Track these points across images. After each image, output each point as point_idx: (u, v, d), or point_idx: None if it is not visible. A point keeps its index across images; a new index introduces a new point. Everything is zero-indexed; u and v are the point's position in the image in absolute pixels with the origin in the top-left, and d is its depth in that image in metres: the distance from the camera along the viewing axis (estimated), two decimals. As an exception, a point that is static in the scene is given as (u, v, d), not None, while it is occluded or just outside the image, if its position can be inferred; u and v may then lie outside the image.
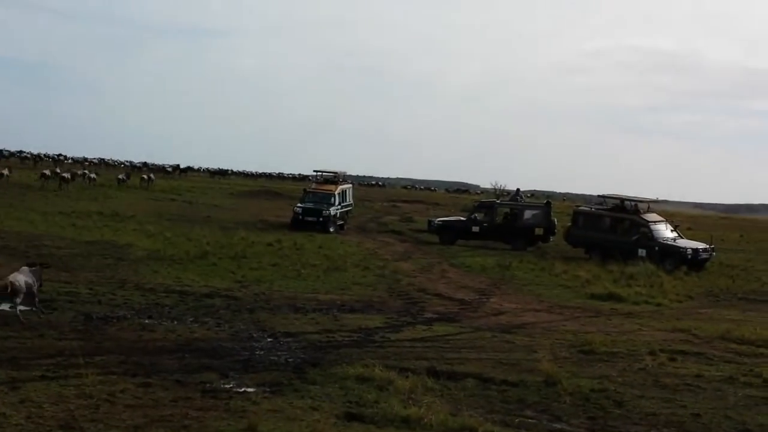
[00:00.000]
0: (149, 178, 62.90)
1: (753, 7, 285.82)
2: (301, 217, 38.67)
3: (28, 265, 15.64)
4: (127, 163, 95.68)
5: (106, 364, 11.83)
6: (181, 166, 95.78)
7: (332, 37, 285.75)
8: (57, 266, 20.65)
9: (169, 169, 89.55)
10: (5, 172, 52.28)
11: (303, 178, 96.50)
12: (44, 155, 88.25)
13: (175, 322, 15.51)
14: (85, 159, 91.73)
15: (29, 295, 14.80)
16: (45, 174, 53.45)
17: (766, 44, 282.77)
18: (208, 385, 11.10)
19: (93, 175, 60.44)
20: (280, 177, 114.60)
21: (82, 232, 29.35)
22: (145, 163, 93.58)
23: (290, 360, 12.97)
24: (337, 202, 39.90)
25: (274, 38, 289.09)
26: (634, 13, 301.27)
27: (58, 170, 57.16)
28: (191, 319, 15.91)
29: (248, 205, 53.43)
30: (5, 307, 14.67)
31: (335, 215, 39.40)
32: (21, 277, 14.68)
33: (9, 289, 14.24)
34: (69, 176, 53.31)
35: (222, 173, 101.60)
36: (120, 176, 62.15)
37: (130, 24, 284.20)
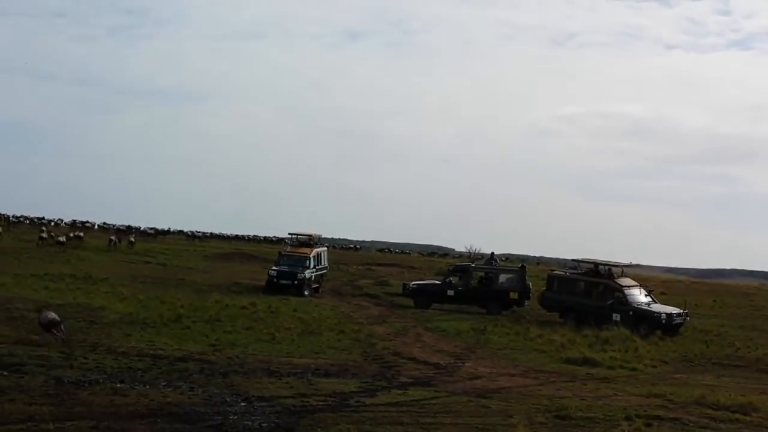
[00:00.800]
0: (134, 241, 63.61)
1: (723, 74, 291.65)
2: (275, 280, 38.56)
3: None
4: (103, 225, 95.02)
5: (77, 429, 11.65)
6: (158, 229, 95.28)
7: (307, 100, 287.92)
8: (28, 329, 20.49)
9: (151, 232, 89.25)
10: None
11: (278, 241, 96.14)
12: (22, 217, 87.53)
13: (148, 387, 15.33)
14: (61, 220, 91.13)
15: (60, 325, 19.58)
16: (42, 237, 54.43)
17: (736, 110, 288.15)
18: (180, 451, 10.95)
19: (81, 234, 61.43)
20: (255, 239, 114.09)
21: (54, 295, 29.04)
22: (129, 226, 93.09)
23: (264, 425, 12.83)
24: (312, 265, 39.88)
25: (249, 101, 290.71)
26: (607, 80, 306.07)
27: (44, 233, 57.45)
28: (164, 384, 15.73)
29: (222, 268, 53.17)
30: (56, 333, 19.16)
31: (310, 278, 39.34)
32: (52, 313, 19.82)
33: (54, 321, 19.29)
34: (65, 239, 53.97)
35: (200, 237, 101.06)
36: (112, 238, 62.31)
37: (109, 86, 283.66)
